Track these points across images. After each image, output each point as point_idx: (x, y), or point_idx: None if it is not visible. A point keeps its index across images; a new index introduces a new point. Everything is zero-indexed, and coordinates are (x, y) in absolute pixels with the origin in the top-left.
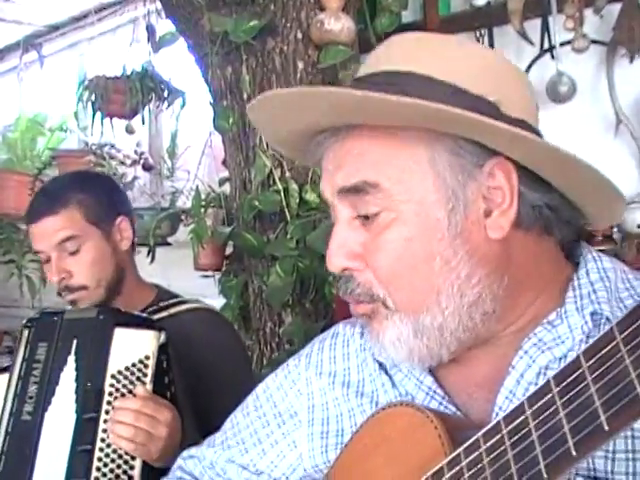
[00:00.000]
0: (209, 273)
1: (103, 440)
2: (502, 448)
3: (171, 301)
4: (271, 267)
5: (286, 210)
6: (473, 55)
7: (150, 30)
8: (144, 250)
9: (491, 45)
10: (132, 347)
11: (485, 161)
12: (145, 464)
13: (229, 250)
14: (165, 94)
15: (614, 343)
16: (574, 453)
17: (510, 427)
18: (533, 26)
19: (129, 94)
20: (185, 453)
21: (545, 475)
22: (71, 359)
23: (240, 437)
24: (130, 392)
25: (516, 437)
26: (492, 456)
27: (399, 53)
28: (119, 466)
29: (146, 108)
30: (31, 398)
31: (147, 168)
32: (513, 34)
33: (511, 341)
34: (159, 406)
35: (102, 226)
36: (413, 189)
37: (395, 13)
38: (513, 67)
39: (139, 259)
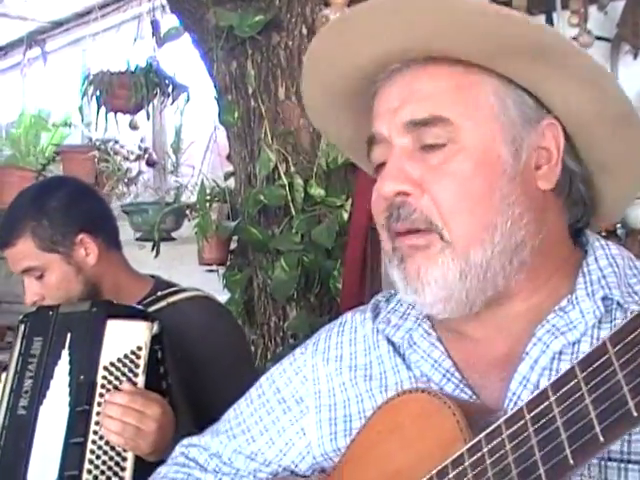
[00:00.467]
0: (213, 268)
1: (96, 433)
2: (525, 434)
3: (168, 290)
4: (276, 261)
5: (291, 204)
6: None
7: (154, 25)
8: (148, 245)
9: None
10: (124, 338)
11: (541, 120)
12: (138, 458)
13: (233, 245)
14: (169, 89)
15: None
16: (602, 439)
17: (533, 413)
18: (538, 22)
19: (134, 89)
20: (186, 441)
21: (572, 461)
22: (65, 353)
23: (245, 426)
24: (122, 383)
25: (540, 423)
26: (515, 442)
27: None
28: (111, 458)
29: (150, 103)
30: (26, 392)
31: (151, 164)
32: None
33: (524, 327)
34: (148, 401)
35: (60, 250)
36: (482, 127)
37: None
38: None
39: (143, 254)
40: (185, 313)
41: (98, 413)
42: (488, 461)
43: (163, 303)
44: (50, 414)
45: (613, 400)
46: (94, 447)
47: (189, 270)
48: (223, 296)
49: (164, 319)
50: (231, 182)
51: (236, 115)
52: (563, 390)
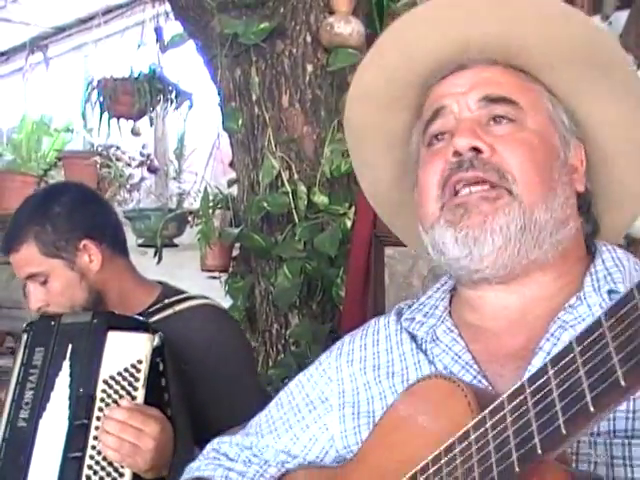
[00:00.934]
0: (215, 274)
1: (94, 447)
2: (524, 407)
3: (175, 298)
4: (278, 269)
5: (294, 212)
6: None
7: (158, 32)
8: (150, 251)
9: None
10: (125, 351)
11: (573, 138)
12: (135, 475)
13: (235, 252)
14: (173, 96)
15: (633, 303)
16: (592, 409)
17: (533, 387)
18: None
19: (137, 95)
20: (216, 440)
21: (564, 431)
22: (66, 364)
23: (274, 427)
24: (122, 397)
25: (538, 396)
26: (515, 415)
27: None
28: (109, 474)
29: (153, 110)
30: (27, 404)
31: (152, 170)
32: None
33: (539, 323)
34: (147, 418)
35: (64, 255)
36: (542, 119)
37: None
38: None
39: (146, 260)
40: (191, 322)
41: (97, 427)
42: (490, 434)
43: (169, 311)
44: (49, 427)
45: (604, 371)
46: (92, 462)
47: (191, 276)
48: (225, 303)
49: (170, 327)
50: (234, 189)
51: (240, 122)
52: (561, 364)
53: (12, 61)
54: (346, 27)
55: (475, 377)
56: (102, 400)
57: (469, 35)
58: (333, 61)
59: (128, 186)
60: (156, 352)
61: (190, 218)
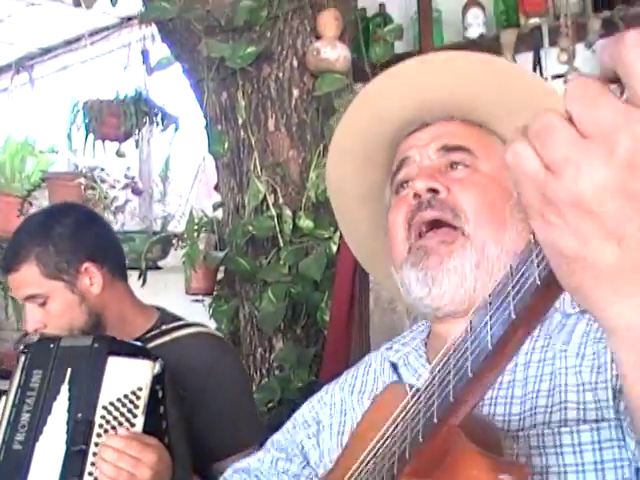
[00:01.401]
0: (200, 297)
1: (91, 474)
2: (432, 387)
3: (173, 325)
4: (263, 292)
5: (279, 236)
6: None
7: (144, 54)
8: (134, 274)
9: None
10: (125, 377)
11: None
12: None
13: (220, 275)
14: (158, 118)
15: (508, 277)
16: (470, 375)
17: (439, 367)
18: (525, 59)
19: (123, 117)
20: (230, 470)
21: (452, 399)
22: (64, 388)
23: (279, 447)
24: (121, 424)
25: (440, 376)
26: (426, 394)
27: None
28: None
29: (138, 132)
30: (23, 427)
31: (136, 192)
32: None
33: None
34: (144, 447)
35: (65, 277)
36: (495, 163)
37: (390, 43)
38: None
39: (130, 282)
40: (189, 349)
41: (95, 453)
42: (409, 415)
43: (167, 338)
44: (46, 451)
45: (526, 279)
46: None
47: (175, 299)
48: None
49: (168, 354)
50: (219, 212)
51: (226, 145)
52: (454, 347)
53: None
54: (332, 52)
55: None
56: (101, 426)
57: (428, 97)
58: (319, 86)
59: (113, 208)
60: (156, 379)
61: (174, 241)
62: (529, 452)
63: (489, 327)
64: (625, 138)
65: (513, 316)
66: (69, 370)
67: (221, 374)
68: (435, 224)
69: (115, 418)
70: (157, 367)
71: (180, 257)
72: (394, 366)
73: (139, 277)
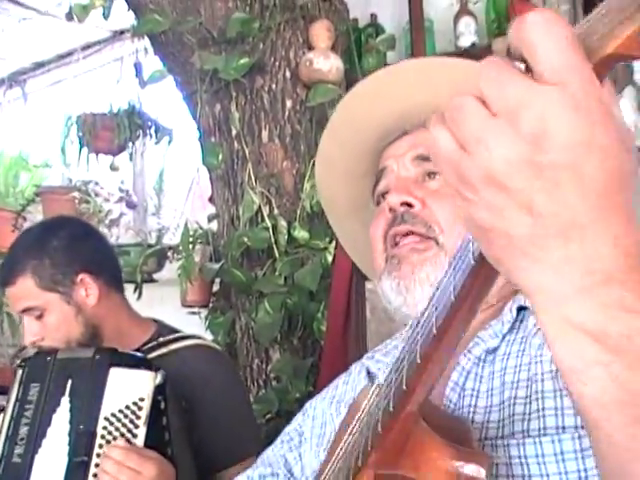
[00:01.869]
0: (195, 310)
1: None
2: (391, 377)
3: (171, 337)
4: (259, 304)
5: (274, 247)
6: None
7: (137, 68)
8: (129, 287)
9: None
10: (127, 388)
11: None
12: None
13: (216, 287)
14: (152, 131)
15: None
16: (419, 360)
17: (396, 360)
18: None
19: (117, 131)
20: None
21: (405, 387)
22: (65, 400)
23: (268, 462)
24: (123, 435)
25: (397, 365)
26: (385, 385)
27: None
28: None
29: (133, 145)
30: (22, 440)
31: (130, 206)
32: None
33: (465, 343)
34: (144, 460)
35: (60, 289)
36: None
37: (382, 53)
38: None
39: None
40: (187, 361)
41: (97, 465)
42: (372, 404)
43: (164, 350)
44: (46, 463)
45: (463, 260)
46: None
47: (171, 312)
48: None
49: (166, 366)
50: (214, 224)
51: (220, 157)
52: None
53: None
54: (325, 63)
55: None
56: (103, 437)
57: (403, 106)
58: (312, 97)
59: (107, 221)
60: (158, 390)
61: (170, 253)
62: (509, 461)
63: (434, 311)
64: (528, 113)
65: (452, 298)
66: (69, 382)
67: (219, 385)
68: (408, 235)
69: (117, 429)
70: (159, 378)
71: (175, 270)
72: (369, 373)
73: (134, 290)
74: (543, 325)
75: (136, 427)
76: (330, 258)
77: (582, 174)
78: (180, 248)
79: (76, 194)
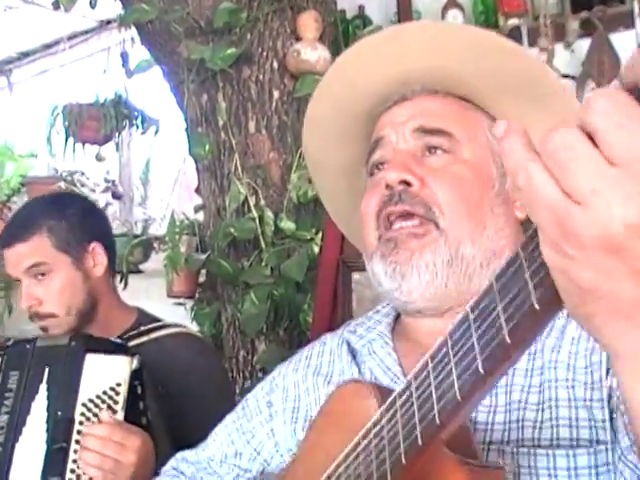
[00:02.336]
0: (181, 301)
1: (73, 471)
2: (410, 402)
3: (152, 325)
4: (245, 295)
5: (261, 238)
6: None
7: (124, 57)
8: (116, 278)
9: None
10: (104, 374)
11: None
12: None
13: (202, 278)
14: (139, 121)
15: (492, 295)
16: (459, 398)
17: (417, 382)
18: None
19: (103, 121)
20: (179, 455)
21: (438, 422)
22: (43, 388)
23: (228, 432)
24: (101, 422)
25: (419, 391)
26: (403, 410)
27: None
28: None
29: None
30: (2, 428)
31: (116, 196)
32: None
33: None
34: (127, 433)
35: (73, 253)
36: (478, 149)
37: None
38: None
39: None
40: (168, 349)
41: (76, 451)
42: (385, 429)
43: (145, 338)
44: (26, 451)
45: (466, 362)
46: None
47: (156, 303)
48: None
49: (146, 354)
50: (200, 215)
51: (206, 148)
52: (436, 359)
53: None
54: (313, 54)
55: None
56: (81, 423)
57: (408, 68)
58: (300, 87)
59: None
60: (134, 375)
61: (156, 244)
62: (518, 470)
63: (477, 347)
64: None
65: (508, 340)
66: (47, 369)
67: (202, 373)
68: (406, 216)
69: (95, 415)
70: (135, 362)
71: (161, 260)
72: (353, 352)
73: (120, 280)
74: (629, 390)
75: (114, 412)
76: (317, 249)
77: None
78: (166, 239)
79: (62, 184)
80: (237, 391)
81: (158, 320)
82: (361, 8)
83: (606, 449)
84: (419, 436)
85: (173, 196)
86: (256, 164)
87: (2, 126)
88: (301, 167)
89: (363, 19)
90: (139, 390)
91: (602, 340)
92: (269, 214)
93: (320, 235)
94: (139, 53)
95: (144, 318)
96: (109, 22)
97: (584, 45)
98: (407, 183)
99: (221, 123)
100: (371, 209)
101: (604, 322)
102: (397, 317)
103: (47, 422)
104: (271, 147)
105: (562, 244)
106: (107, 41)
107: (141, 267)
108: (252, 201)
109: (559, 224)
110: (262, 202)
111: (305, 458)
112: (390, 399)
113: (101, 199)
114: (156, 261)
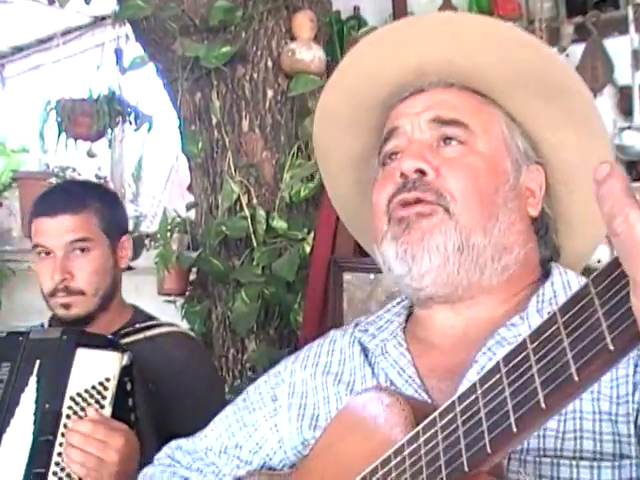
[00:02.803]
0: (171, 298)
1: (58, 464)
2: (454, 425)
3: (146, 324)
4: (236, 293)
5: (253, 236)
6: None
7: (118, 54)
8: None
9: None
10: (93, 368)
11: (532, 161)
12: None
13: (193, 276)
14: (132, 118)
15: (555, 327)
16: (515, 430)
17: (462, 406)
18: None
19: (96, 117)
20: (173, 443)
21: (489, 450)
22: (32, 380)
23: (228, 423)
24: (87, 410)
25: (466, 415)
26: (445, 433)
27: None
28: None
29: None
30: None
31: None
32: None
33: (482, 341)
34: (111, 431)
35: (111, 238)
36: (493, 142)
37: None
38: None
39: None
40: (161, 348)
41: (62, 444)
42: (422, 450)
43: (140, 336)
44: (13, 442)
45: (527, 393)
46: (55, 479)
47: (146, 300)
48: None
49: (140, 352)
50: (192, 213)
51: (199, 146)
52: (488, 384)
53: None
54: (307, 53)
55: (416, 391)
56: (68, 417)
57: (424, 60)
58: (294, 87)
59: None
60: (124, 371)
61: (147, 241)
62: None
63: (537, 380)
64: None
65: (576, 378)
66: (37, 362)
67: (194, 372)
68: (417, 202)
69: (82, 409)
70: (125, 359)
71: (152, 258)
72: (365, 351)
73: None
74: None
75: (102, 407)
76: (308, 249)
77: None
78: (158, 236)
79: (53, 180)
80: (227, 390)
81: (153, 318)
82: (356, 9)
83: (630, 464)
84: (465, 463)
85: (165, 193)
86: (249, 163)
87: None
88: (294, 166)
89: (358, 20)
90: (128, 387)
91: None
92: (261, 213)
93: (312, 235)
94: (133, 50)
95: (139, 316)
96: (103, 18)
97: (578, 50)
98: (422, 172)
99: (214, 121)
100: (383, 197)
101: None
102: (408, 317)
103: (35, 414)
104: (264, 146)
105: None
106: (101, 37)
107: (132, 264)
108: (244, 200)
109: None
110: (254, 201)
111: (318, 463)
112: (429, 419)
113: None
114: (147, 258)
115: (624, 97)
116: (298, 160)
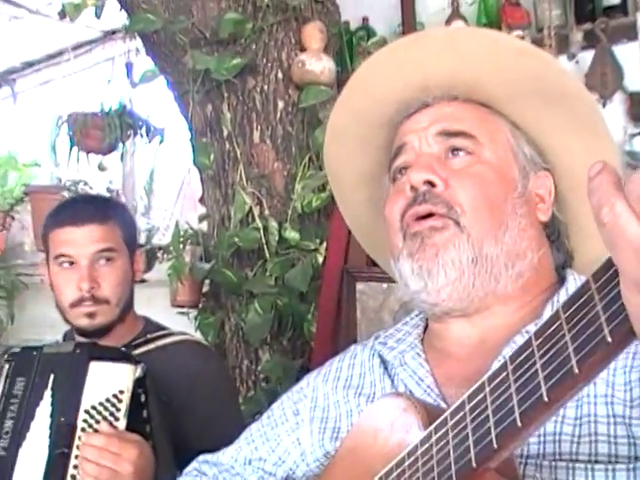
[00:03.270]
0: (184, 310)
1: (74, 477)
2: (464, 423)
3: (158, 333)
4: (249, 304)
5: (265, 247)
6: None
7: (128, 67)
8: None
9: None
10: (107, 381)
11: (540, 169)
12: None
13: (205, 287)
14: (143, 131)
15: (558, 322)
16: (519, 424)
17: (472, 404)
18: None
19: (107, 130)
20: (201, 457)
21: (495, 445)
22: (47, 394)
23: (252, 439)
24: (101, 425)
25: (475, 413)
26: (455, 431)
27: None
28: None
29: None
30: (7, 433)
31: None
32: None
33: (499, 349)
34: (124, 443)
35: (131, 250)
36: (500, 151)
37: None
38: None
39: None
40: (174, 357)
41: (77, 456)
42: (434, 449)
43: (152, 346)
44: (29, 456)
45: (530, 387)
46: None
47: (159, 312)
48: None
49: (152, 362)
50: (204, 224)
51: (211, 158)
52: (495, 382)
53: None
54: (317, 64)
55: (435, 400)
56: (83, 429)
57: (427, 75)
58: (304, 98)
59: None
60: (138, 383)
61: (159, 254)
62: None
63: (541, 375)
64: None
65: (576, 371)
66: (52, 376)
67: (207, 380)
68: (429, 216)
69: (97, 421)
70: (139, 371)
71: (164, 270)
72: (384, 363)
73: None
74: None
75: (116, 419)
76: (321, 259)
77: None
78: (171, 248)
79: (65, 194)
80: (241, 401)
81: (163, 328)
82: (365, 19)
83: None
84: (473, 459)
85: (177, 206)
86: (260, 174)
87: (6, 135)
88: (305, 177)
89: (367, 30)
90: (142, 398)
91: None
92: (273, 224)
93: (324, 245)
94: (144, 63)
95: (150, 326)
96: (114, 32)
97: (587, 57)
98: (431, 184)
99: (226, 133)
100: (395, 212)
101: None
102: (425, 328)
103: (50, 428)
104: (275, 157)
105: None
106: (111, 51)
107: (145, 277)
108: (256, 211)
109: None
110: (266, 212)
111: (339, 468)
112: (441, 419)
113: None
114: (159, 271)
115: (634, 103)
116: (309, 171)
